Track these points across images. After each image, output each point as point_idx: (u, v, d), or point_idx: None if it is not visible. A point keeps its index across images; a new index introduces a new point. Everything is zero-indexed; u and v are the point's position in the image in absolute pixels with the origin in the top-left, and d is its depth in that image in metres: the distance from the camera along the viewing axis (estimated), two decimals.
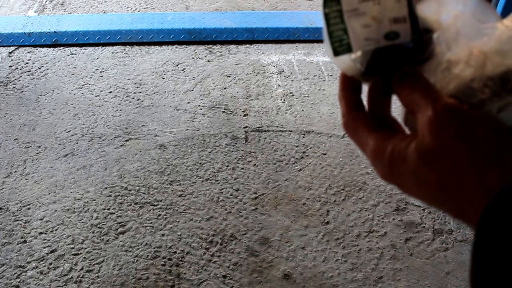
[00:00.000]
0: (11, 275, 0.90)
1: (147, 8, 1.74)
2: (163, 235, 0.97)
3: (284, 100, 1.34)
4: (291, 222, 1.01)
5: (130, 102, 1.31)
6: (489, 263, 0.18)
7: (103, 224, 0.98)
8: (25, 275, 0.90)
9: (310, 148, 1.19)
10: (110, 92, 1.34)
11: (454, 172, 0.20)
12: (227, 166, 1.13)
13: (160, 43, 1.53)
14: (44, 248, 0.94)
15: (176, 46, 1.53)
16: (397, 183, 0.23)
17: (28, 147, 1.16)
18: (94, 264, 0.92)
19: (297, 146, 1.19)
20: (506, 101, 0.21)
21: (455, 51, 0.21)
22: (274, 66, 1.47)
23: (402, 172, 0.22)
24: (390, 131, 0.24)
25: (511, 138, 0.20)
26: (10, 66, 1.42)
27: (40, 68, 1.42)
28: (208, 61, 1.48)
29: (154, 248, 0.94)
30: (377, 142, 0.24)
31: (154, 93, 1.34)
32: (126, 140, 1.19)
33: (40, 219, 0.99)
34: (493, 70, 0.20)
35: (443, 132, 0.20)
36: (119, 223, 0.99)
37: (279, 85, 1.40)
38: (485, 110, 0.21)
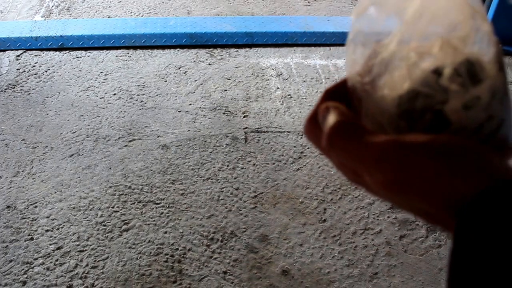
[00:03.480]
0: (18, 271, 0.91)
1: (150, 13, 1.77)
2: (165, 232, 0.99)
3: (283, 102, 1.38)
4: (289, 220, 1.03)
5: (133, 104, 1.34)
6: (468, 272, 0.17)
7: (107, 222, 1.01)
8: (32, 271, 0.91)
9: (308, 148, 1.22)
10: (114, 94, 1.38)
11: (417, 196, 0.20)
12: (228, 165, 1.16)
13: (162, 47, 1.56)
14: (50, 245, 0.96)
15: (178, 49, 1.56)
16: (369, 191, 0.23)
17: (35, 148, 1.19)
18: (98, 261, 0.94)
19: (295, 147, 1.22)
20: (472, 94, 0.20)
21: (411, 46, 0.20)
22: (273, 69, 1.50)
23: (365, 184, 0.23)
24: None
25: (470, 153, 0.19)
26: (17, 69, 1.46)
27: (46, 71, 1.46)
28: (209, 64, 1.51)
29: (156, 245, 0.97)
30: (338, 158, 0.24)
31: (157, 95, 1.38)
32: (130, 141, 1.22)
33: (47, 217, 1.01)
34: (458, 59, 0.20)
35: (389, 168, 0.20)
36: (123, 221, 1.01)
37: (278, 88, 1.43)
38: (451, 107, 0.20)
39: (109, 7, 1.79)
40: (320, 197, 1.08)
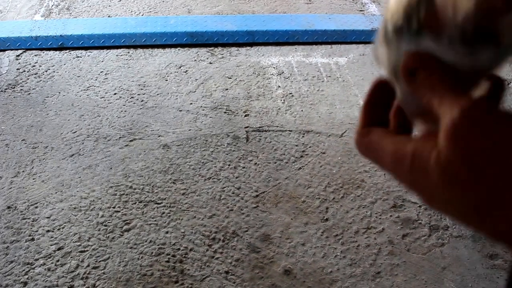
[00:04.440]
0: (19, 271, 0.91)
1: (150, 12, 1.77)
2: (167, 232, 0.99)
3: (284, 100, 1.37)
4: (291, 219, 1.03)
5: (134, 103, 1.34)
6: None
7: (108, 222, 1.00)
8: (33, 271, 0.91)
9: (310, 147, 1.21)
10: (115, 93, 1.37)
11: (484, 191, 0.16)
12: (229, 165, 1.15)
13: (163, 46, 1.56)
14: (51, 245, 0.96)
15: (178, 48, 1.56)
16: (422, 195, 0.19)
17: (36, 148, 1.19)
18: (100, 261, 0.93)
19: (296, 145, 1.22)
20: None
21: None
22: (274, 67, 1.50)
23: (425, 185, 0.19)
24: (409, 136, 0.21)
25: None
26: (17, 69, 1.46)
27: (46, 71, 1.45)
28: (210, 63, 1.50)
29: (158, 245, 0.96)
30: (396, 145, 0.20)
31: (158, 94, 1.37)
32: (131, 140, 1.22)
33: (48, 217, 1.01)
34: None
35: (463, 145, 0.17)
36: (124, 221, 1.01)
37: (279, 86, 1.42)
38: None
39: (109, 6, 1.79)
40: (322, 196, 1.08)
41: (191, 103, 1.34)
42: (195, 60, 1.51)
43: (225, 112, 1.31)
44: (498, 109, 0.17)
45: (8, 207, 1.03)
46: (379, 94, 0.23)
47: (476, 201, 0.17)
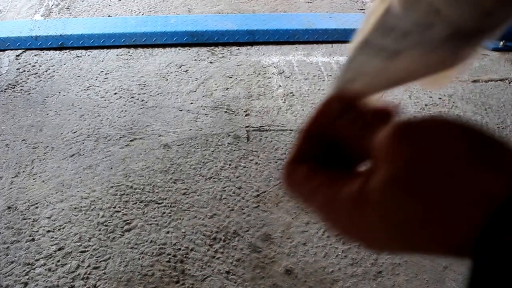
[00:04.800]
0: (20, 272, 0.91)
1: (150, 11, 1.77)
2: (167, 232, 0.99)
3: (285, 100, 1.37)
4: (293, 219, 1.03)
5: (134, 103, 1.34)
6: None
7: (109, 222, 1.00)
8: (34, 272, 0.91)
9: None
10: (115, 93, 1.37)
11: (431, 195, 0.16)
12: (230, 164, 1.15)
13: (163, 46, 1.56)
14: (52, 245, 0.96)
15: (179, 48, 1.55)
16: (361, 237, 0.18)
17: (36, 148, 1.19)
18: (100, 261, 0.93)
19: None
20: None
21: None
22: (274, 67, 1.49)
23: (366, 218, 0.17)
24: (340, 173, 0.20)
25: (489, 137, 0.16)
26: (17, 69, 1.45)
27: (46, 71, 1.45)
28: (210, 62, 1.50)
29: (159, 245, 0.96)
30: (327, 188, 0.19)
31: (158, 94, 1.37)
32: (131, 140, 1.21)
33: (48, 218, 1.01)
34: None
35: (408, 149, 0.16)
36: (125, 221, 1.01)
37: (280, 86, 1.42)
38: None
39: (109, 5, 1.79)
40: None
41: (191, 103, 1.34)
42: (195, 60, 1.51)
43: (225, 112, 1.31)
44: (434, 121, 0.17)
45: (9, 208, 1.03)
46: (328, 118, 0.21)
47: (416, 213, 0.16)
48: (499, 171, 0.15)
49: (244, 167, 1.14)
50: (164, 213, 1.03)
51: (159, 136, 1.23)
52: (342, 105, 0.21)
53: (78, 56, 1.51)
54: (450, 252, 0.16)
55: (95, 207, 1.03)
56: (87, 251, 0.95)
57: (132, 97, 1.36)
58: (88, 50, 1.53)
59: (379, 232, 0.17)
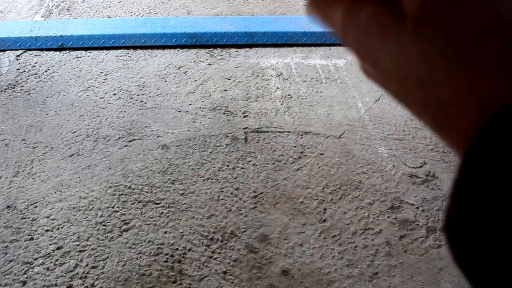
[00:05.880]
0: (18, 271, 0.91)
1: (150, 13, 1.78)
2: (165, 232, 0.99)
3: (283, 102, 1.38)
4: (290, 220, 1.03)
5: (133, 104, 1.34)
6: (475, 208, 0.13)
7: (107, 222, 1.01)
8: (32, 271, 0.91)
9: (308, 148, 1.22)
10: (114, 94, 1.38)
11: (456, 58, 0.14)
12: (228, 165, 1.16)
13: (162, 47, 1.57)
14: (50, 245, 0.96)
15: (178, 49, 1.56)
16: (372, 62, 0.17)
17: (35, 148, 1.19)
18: (98, 261, 0.94)
19: (295, 147, 1.22)
20: None
21: None
22: (273, 69, 1.50)
23: (381, 50, 0.16)
24: None
25: None
26: (17, 69, 1.46)
27: (46, 71, 1.46)
28: (209, 64, 1.51)
29: (156, 245, 0.97)
30: (351, 2, 0.17)
31: (157, 95, 1.38)
32: (130, 141, 1.22)
33: (47, 217, 1.02)
34: None
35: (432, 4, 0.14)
36: (123, 221, 1.01)
37: (278, 88, 1.43)
38: None
39: (109, 7, 1.79)
40: (320, 197, 1.09)
41: (190, 104, 1.35)
42: (194, 61, 1.52)
43: (224, 113, 1.32)
44: None
45: (8, 207, 1.03)
46: None
47: (431, 68, 0.15)
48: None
49: (242, 168, 1.15)
50: (162, 213, 1.03)
51: (158, 136, 1.23)
52: None
53: (78, 57, 1.51)
54: (441, 132, 0.15)
55: (93, 207, 1.04)
56: (85, 250, 0.95)
57: (131, 98, 1.36)
58: (88, 51, 1.53)
59: (388, 68, 0.16)
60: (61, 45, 1.54)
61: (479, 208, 0.13)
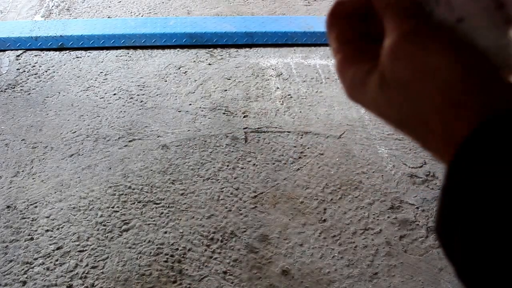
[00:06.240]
0: (18, 271, 0.91)
1: (150, 13, 1.78)
2: (165, 232, 0.99)
3: (283, 102, 1.38)
4: (290, 220, 1.03)
5: (133, 104, 1.35)
6: (459, 213, 0.16)
7: (107, 222, 1.01)
8: (32, 271, 0.91)
9: (308, 148, 1.22)
10: (114, 94, 1.38)
11: (415, 112, 0.18)
12: (228, 165, 1.16)
13: (162, 47, 1.57)
14: (50, 245, 0.96)
15: (178, 49, 1.56)
16: (361, 105, 0.22)
17: (35, 148, 1.19)
18: (98, 261, 0.94)
19: (295, 147, 1.22)
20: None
21: None
22: (273, 69, 1.50)
23: (363, 97, 0.21)
24: (359, 48, 0.22)
25: (482, 61, 0.18)
26: (17, 69, 1.46)
27: (46, 71, 1.46)
28: (209, 64, 1.51)
29: (156, 245, 0.97)
30: (343, 59, 0.22)
31: (157, 95, 1.38)
32: (130, 141, 1.22)
33: (47, 217, 1.02)
34: None
35: (400, 69, 0.18)
36: (123, 221, 1.01)
37: (278, 88, 1.43)
38: (443, 20, 0.19)
39: (109, 7, 1.79)
40: (320, 197, 1.09)
41: (190, 104, 1.35)
42: (194, 61, 1.52)
43: (224, 113, 1.32)
44: (435, 37, 0.18)
45: (8, 207, 1.03)
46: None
47: (403, 119, 0.19)
48: (472, 103, 0.17)
49: (242, 168, 1.15)
50: (162, 213, 1.03)
51: (158, 136, 1.23)
52: None
53: (78, 57, 1.51)
54: (427, 150, 0.19)
55: (93, 207, 1.04)
56: (85, 250, 0.95)
57: (131, 98, 1.36)
58: (88, 51, 1.53)
59: (372, 109, 0.21)
60: (61, 45, 1.54)
61: (462, 213, 0.16)
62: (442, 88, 0.17)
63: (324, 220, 1.03)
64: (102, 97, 1.36)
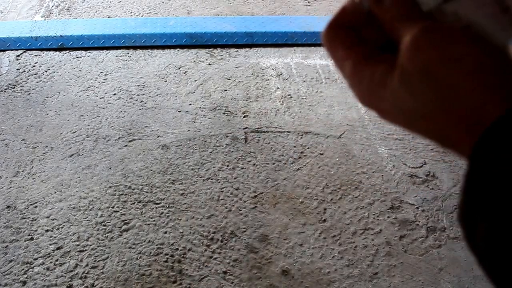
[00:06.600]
0: (18, 271, 0.91)
1: (150, 13, 1.78)
2: (165, 232, 0.99)
3: (283, 102, 1.38)
4: (290, 220, 1.03)
5: (133, 104, 1.35)
6: (484, 199, 0.16)
7: (107, 222, 1.01)
8: (32, 271, 0.91)
9: (308, 148, 1.22)
10: (114, 94, 1.38)
11: (440, 100, 0.18)
12: (228, 165, 1.16)
13: (162, 47, 1.57)
14: (50, 245, 0.96)
15: (178, 49, 1.56)
16: (377, 109, 0.22)
17: (35, 148, 1.19)
18: (98, 261, 0.94)
19: (295, 147, 1.22)
20: None
21: None
22: (273, 69, 1.50)
23: (382, 99, 0.20)
24: (371, 49, 0.22)
25: (502, 55, 0.18)
26: (17, 69, 1.46)
27: (46, 71, 1.46)
28: (209, 64, 1.51)
29: (156, 245, 0.97)
30: (355, 63, 0.22)
31: (157, 95, 1.38)
32: (130, 141, 1.22)
33: (47, 217, 1.02)
34: None
35: (424, 58, 0.19)
36: (123, 221, 1.01)
37: (278, 88, 1.43)
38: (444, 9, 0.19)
39: (109, 7, 1.80)
40: (320, 197, 1.09)
41: (190, 104, 1.35)
42: (194, 61, 1.52)
43: (224, 113, 1.32)
44: (454, 30, 0.19)
45: (8, 207, 1.03)
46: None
47: (427, 109, 0.19)
48: (498, 88, 0.17)
49: (242, 168, 1.15)
50: (162, 213, 1.03)
51: (158, 136, 1.23)
52: None
53: (78, 57, 1.52)
54: (446, 145, 0.19)
55: (93, 207, 1.04)
56: (85, 250, 0.95)
57: (131, 98, 1.36)
58: (88, 51, 1.54)
59: (390, 110, 0.21)
60: (61, 45, 1.54)
61: (486, 200, 0.16)
62: (471, 73, 0.17)
63: (324, 220, 1.03)
64: (102, 97, 1.36)
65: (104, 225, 1.00)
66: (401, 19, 0.20)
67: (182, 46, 1.57)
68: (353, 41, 0.22)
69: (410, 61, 0.19)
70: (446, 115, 0.19)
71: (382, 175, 1.15)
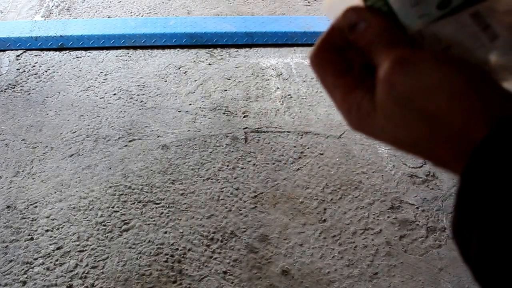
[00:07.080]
0: (18, 271, 0.92)
1: (150, 13, 1.78)
2: (165, 232, 0.99)
3: (283, 102, 1.38)
4: (289, 220, 1.03)
5: (133, 104, 1.35)
6: (475, 216, 0.17)
7: (107, 222, 1.01)
8: (32, 271, 0.91)
9: (308, 148, 1.22)
10: (114, 94, 1.38)
11: (425, 129, 0.19)
12: (228, 165, 1.16)
13: (162, 47, 1.57)
14: (50, 245, 0.96)
15: (178, 49, 1.56)
16: (366, 134, 0.22)
17: (35, 148, 1.19)
18: (98, 261, 0.94)
19: (295, 147, 1.22)
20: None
21: None
22: (273, 69, 1.50)
23: (370, 126, 0.21)
24: (357, 77, 0.22)
25: (481, 72, 0.18)
26: (17, 69, 1.46)
27: (46, 71, 1.46)
28: (209, 64, 1.51)
29: (156, 245, 0.97)
30: (344, 92, 0.22)
31: (157, 95, 1.38)
32: (130, 141, 1.22)
33: (47, 217, 1.02)
34: None
35: (399, 91, 0.19)
36: (123, 221, 1.01)
37: (278, 88, 1.43)
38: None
39: (109, 7, 1.80)
40: (320, 197, 1.09)
41: (190, 104, 1.35)
42: (194, 61, 1.52)
43: (224, 113, 1.32)
44: (428, 57, 0.19)
45: (8, 207, 1.03)
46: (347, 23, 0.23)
47: (412, 139, 0.20)
48: (479, 110, 0.18)
49: (242, 168, 1.15)
50: (162, 213, 1.03)
51: (158, 136, 1.23)
52: (356, 16, 0.22)
53: (77, 57, 1.52)
54: (437, 166, 0.20)
55: (93, 207, 1.04)
56: (85, 250, 0.95)
57: (131, 98, 1.36)
58: (88, 51, 1.54)
59: (379, 136, 0.21)
60: (61, 45, 1.54)
61: (479, 215, 0.16)
62: (450, 99, 0.18)
63: (324, 220, 1.03)
64: (102, 97, 1.36)
65: (104, 225, 1.00)
66: (374, 45, 0.21)
67: (182, 46, 1.57)
68: (341, 68, 0.23)
69: (387, 96, 0.20)
70: (433, 141, 0.19)
71: (382, 175, 1.15)
